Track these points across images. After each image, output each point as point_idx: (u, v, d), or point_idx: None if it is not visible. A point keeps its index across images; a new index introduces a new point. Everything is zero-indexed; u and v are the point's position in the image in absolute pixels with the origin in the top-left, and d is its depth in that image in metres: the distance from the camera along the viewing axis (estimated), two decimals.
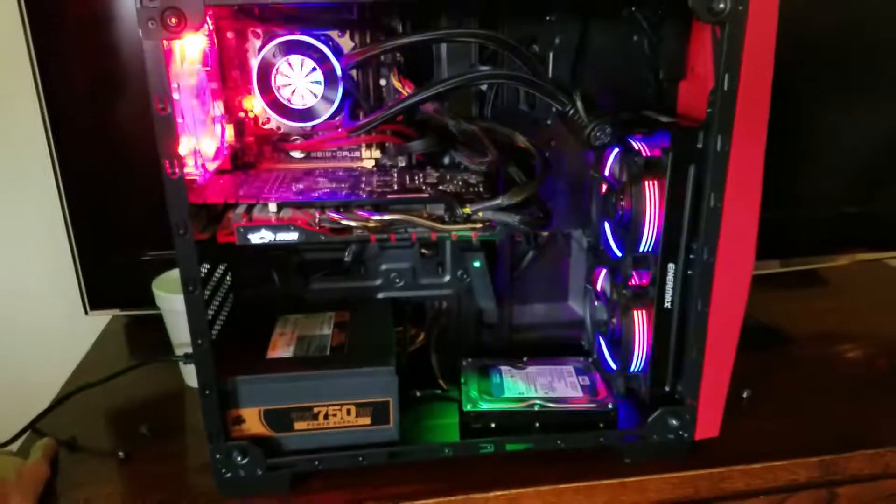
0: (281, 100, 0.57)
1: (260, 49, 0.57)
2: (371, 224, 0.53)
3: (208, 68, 0.56)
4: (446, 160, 0.63)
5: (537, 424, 0.60)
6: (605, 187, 0.62)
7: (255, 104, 0.60)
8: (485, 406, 0.60)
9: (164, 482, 0.60)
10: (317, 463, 0.57)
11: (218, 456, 0.55)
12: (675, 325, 0.58)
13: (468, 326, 0.70)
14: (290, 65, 0.56)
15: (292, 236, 0.53)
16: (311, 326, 0.63)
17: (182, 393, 0.74)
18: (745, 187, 0.53)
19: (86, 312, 0.85)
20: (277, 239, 0.53)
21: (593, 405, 0.60)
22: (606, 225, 0.63)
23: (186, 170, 0.49)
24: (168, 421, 0.69)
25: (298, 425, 0.57)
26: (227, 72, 0.59)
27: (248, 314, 0.65)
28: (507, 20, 0.60)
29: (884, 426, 0.66)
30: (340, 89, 0.57)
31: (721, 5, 0.48)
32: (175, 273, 0.51)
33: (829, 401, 0.70)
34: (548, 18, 0.60)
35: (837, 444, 0.63)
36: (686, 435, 0.60)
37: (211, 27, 0.56)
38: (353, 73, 0.59)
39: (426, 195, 0.55)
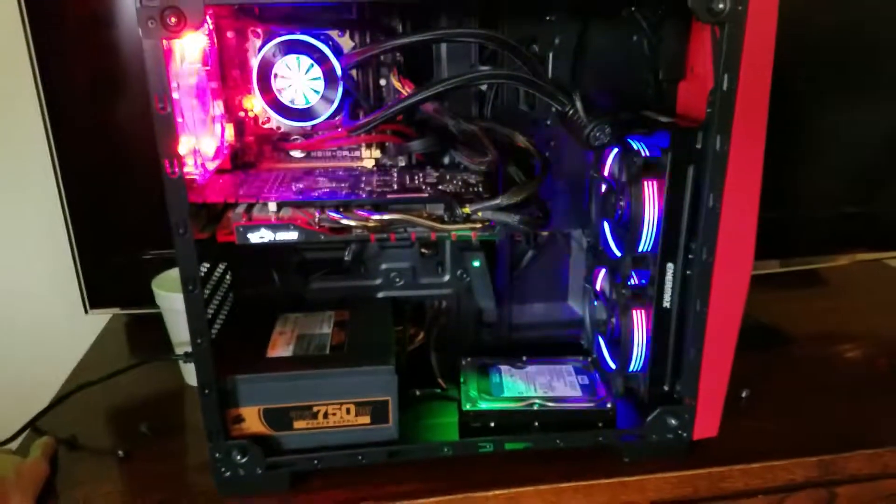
0: (281, 99, 0.57)
1: (260, 48, 0.57)
2: (371, 223, 0.53)
3: (208, 68, 0.56)
4: (446, 160, 0.63)
5: (536, 424, 0.60)
6: (604, 187, 0.62)
7: (255, 104, 0.60)
8: (484, 405, 0.60)
9: (164, 481, 0.60)
10: (316, 462, 0.57)
11: (217, 455, 0.55)
12: (674, 325, 0.58)
13: (468, 326, 0.70)
14: (289, 64, 0.56)
15: (292, 236, 0.53)
16: (311, 325, 0.63)
17: (182, 392, 0.74)
18: (744, 187, 0.53)
19: (86, 311, 0.85)
20: (277, 238, 0.53)
21: (592, 405, 0.60)
22: (606, 225, 0.63)
23: (186, 169, 0.49)
24: (168, 420, 0.69)
25: (298, 424, 0.57)
26: (227, 71, 0.59)
27: (247, 313, 0.65)
28: (507, 20, 0.60)
29: (883, 426, 0.66)
30: (340, 89, 0.57)
31: (720, 5, 0.48)
32: (175, 272, 0.51)
33: (828, 401, 0.70)
34: (548, 18, 0.60)
35: (836, 444, 0.63)
36: (685, 434, 0.60)
37: (211, 26, 0.56)
38: (353, 72, 0.59)
39: (426, 195, 0.55)
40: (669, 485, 0.60)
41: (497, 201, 0.53)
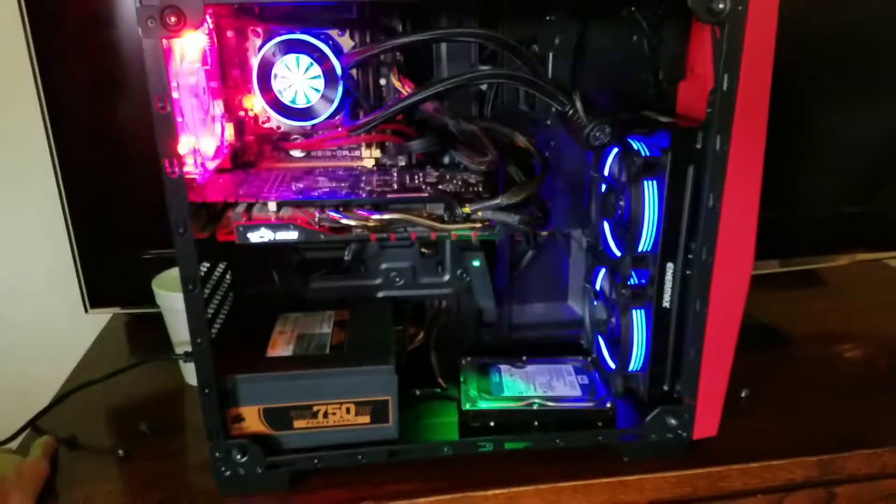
0: (281, 99, 0.57)
1: (260, 48, 0.57)
2: (370, 223, 0.53)
3: (208, 67, 0.56)
4: (446, 160, 0.63)
5: (536, 423, 0.60)
6: (604, 187, 0.62)
7: (254, 103, 0.60)
8: (484, 405, 0.60)
9: (164, 480, 0.60)
10: (316, 461, 0.57)
11: (217, 454, 0.55)
12: (673, 325, 0.58)
13: (468, 325, 0.70)
14: (289, 64, 0.56)
15: (292, 235, 0.53)
16: (311, 325, 0.63)
17: (182, 391, 0.74)
18: (744, 187, 0.53)
19: (86, 310, 0.85)
20: (277, 238, 0.53)
21: (592, 404, 0.60)
22: (606, 224, 0.63)
23: (186, 169, 0.49)
24: (168, 419, 0.69)
25: (298, 424, 0.57)
26: (226, 71, 0.59)
27: (247, 313, 0.65)
28: (507, 20, 0.60)
29: (882, 426, 0.66)
30: (340, 88, 0.57)
31: (720, 5, 0.48)
32: (175, 271, 0.51)
33: (827, 401, 0.70)
34: (548, 18, 0.60)
35: (836, 443, 0.63)
36: (684, 434, 0.60)
37: (211, 26, 0.56)
38: (353, 72, 0.59)
39: (426, 195, 0.55)
40: (669, 484, 0.60)
41: (497, 201, 0.53)
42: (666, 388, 0.60)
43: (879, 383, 0.74)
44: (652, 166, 0.55)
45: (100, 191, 0.81)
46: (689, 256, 0.56)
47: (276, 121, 0.60)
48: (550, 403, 0.60)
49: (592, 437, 0.60)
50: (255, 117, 0.61)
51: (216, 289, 0.61)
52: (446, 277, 0.68)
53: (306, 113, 0.58)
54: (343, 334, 0.62)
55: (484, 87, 0.62)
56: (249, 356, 0.58)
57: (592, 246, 0.67)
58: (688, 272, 0.56)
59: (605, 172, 0.62)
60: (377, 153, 0.62)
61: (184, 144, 0.49)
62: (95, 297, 0.85)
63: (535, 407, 0.60)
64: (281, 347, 0.60)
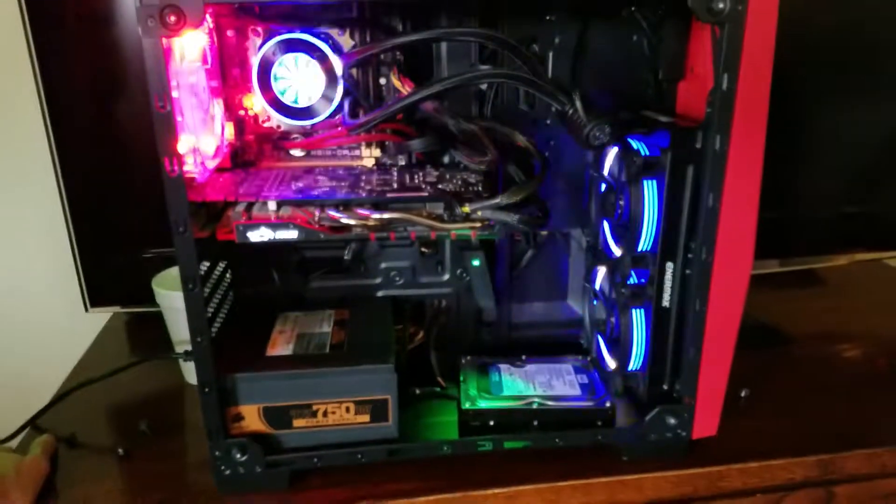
0: (281, 98, 0.57)
1: (260, 47, 0.57)
2: (370, 222, 0.53)
3: (208, 66, 0.56)
4: (446, 159, 0.63)
5: (536, 422, 0.60)
6: (604, 187, 0.62)
7: (255, 102, 0.60)
8: (483, 404, 0.60)
9: (164, 479, 0.60)
10: (316, 460, 0.57)
11: (217, 453, 0.56)
12: (673, 324, 0.58)
13: (467, 325, 0.70)
14: (289, 63, 0.56)
15: (292, 234, 0.53)
16: (311, 324, 0.63)
17: (182, 390, 0.74)
18: (743, 187, 0.53)
19: (86, 309, 0.85)
20: (277, 237, 0.53)
21: (591, 403, 0.61)
22: (605, 224, 0.63)
23: (186, 168, 0.49)
24: (168, 418, 0.69)
25: (298, 423, 0.57)
26: (227, 70, 0.59)
27: (247, 312, 0.65)
28: (507, 20, 0.60)
29: (881, 426, 0.66)
30: (340, 88, 0.57)
31: (720, 5, 0.48)
32: (175, 270, 0.51)
33: (827, 400, 0.70)
34: (548, 18, 0.61)
35: (835, 443, 0.63)
36: (684, 433, 0.60)
37: (211, 25, 0.56)
38: (353, 71, 0.59)
39: (425, 194, 0.55)
40: (668, 484, 0.61)
41: (496, 200, 0.53)
42: (665, 387, 0.60)
43: (879, 383, 0.74)
44: (652, 166, 0.55)
45: (100, 190, 0.81)
46: (689, 256, 0.56)
47: (277, 120, 0.60)
48: (550, 403, 0.60)
49: (592, 436, 0.60)
50: (256, 116, 0.61)
51: (216, 288, 0.61)
52: (446, 277, 0.68)
53: (306, 112, 0.58)
54: (343, 333, 0.62)
55: (484, 86, 0.62)
56: (249, 355, 0.58)
57: (592, 245, 0.67)
58: (687, 272, 0.56)
59: (605, 172, 0.62)
60: (377, 152, 0.62)
61: (184, 143, 0.49)
62: (95, 295, 0.85)
63: (534, 406, 0.60)
64: (281, 346, 0.60)
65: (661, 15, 0.59)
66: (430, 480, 0.59)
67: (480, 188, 0.57)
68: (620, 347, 0.61)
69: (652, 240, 0.57)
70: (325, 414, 0.57)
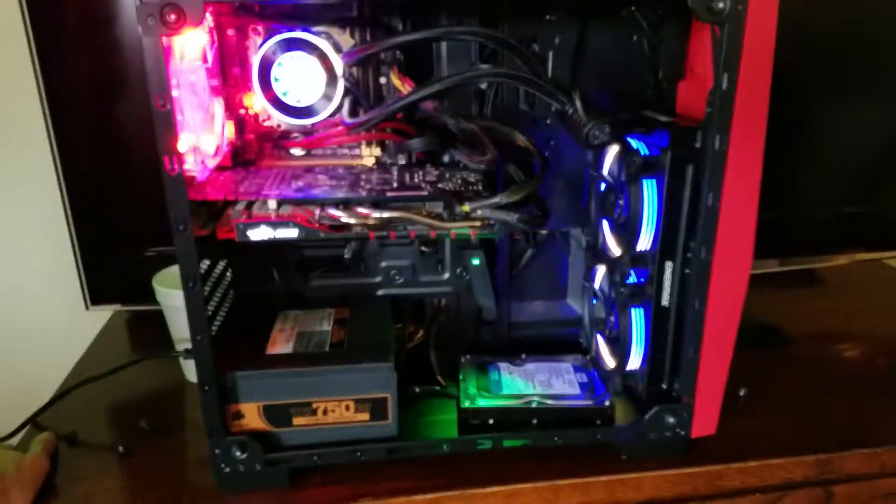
0: (281, 97, 0.57)
1: (260, 46, 0.57)
2: (370, 221, 0.53)
3: (209, 65, 0.56)
4: (446, 158, 0.63)
5: (535, 421, 0.60)
6: (603, 186, 0.62)
7: (255, 101, 0.60)
8: (483, 403, 0.60)
9: (164, 477, 0.60)
10: (315, 458, 0.57)
11: (217, 451, 0.56)
12: (672, 324, 0.58)
13: (467, 324, 0.70)
14: (290, 62, 0.56)
15: (292, 233, 0.53)
16: (311, 323, 0.63)
17: (182, 388, 0.74)
18: (743, 186, 0.53)
19: (87, 307, 0.85)
20: (277, 236, 0.53)
21: (591, 402, 0.61)
22: (605, 223, 0.63)
23: (186, 166, 0.49)
24: (168, 416, 0.69)
25: (297, 421, 0.57)
26: (227, 69, 0.59)
27: (247, 310, 0.65)
28: (508, 19, 0.60)
29: (881, 426, 0.66)
30: (341, 87, 0.57)
31: (720, 5, 0.48)
32: (176, 269, 0.51)
33: (826, 400, 0.70)
34: (548, 18, 0.60)
35: (834, 443, 0.63)
36: (683, 432, 0.60)
37: (211, 24, 0.56)
38: (354, 70, 0.59)
39: (425, 193, 0.55)
40: (667, 483, 0.61)
41: (496, 199, 0.53)
42: (664, 386, 0.61)
43: (878, 383, 0.74)
44: (651, 165, 0.55)
45: (101, 188, 0.81)
46: (689, 255, 0.56)
47: (277, 119, 0.60)
48: (549, 401, 0.60)
49: (591, 435, 0.60)
50: (256, 115, 0.61)
51: (216, 286, 0.61)
52: (446, 276, 0.68)
53: (306, 111, 0.58)
54: (343, 332, 0.62)
55: (484, 86, 0.62)
56: (249, 353, 0.58)
57: (592, 245, 0.67)
58: (687, 271, 0.56)
59: (605, 171, 0.62)
60: (377, 151, 0.62)
61: (184, 142, 0.49)
62: (96, 294, 0.85)
63: (533, 405, 0.60)
64: (281, 345, 0.60)
65: (661, 15, 0.59)
66: (429, 479, 0.59)
67: (480, 187, 0.57)
68: (620, 346, 0.61)
69: (651, 239, 0.57)
70: (324, 412, 0.57)
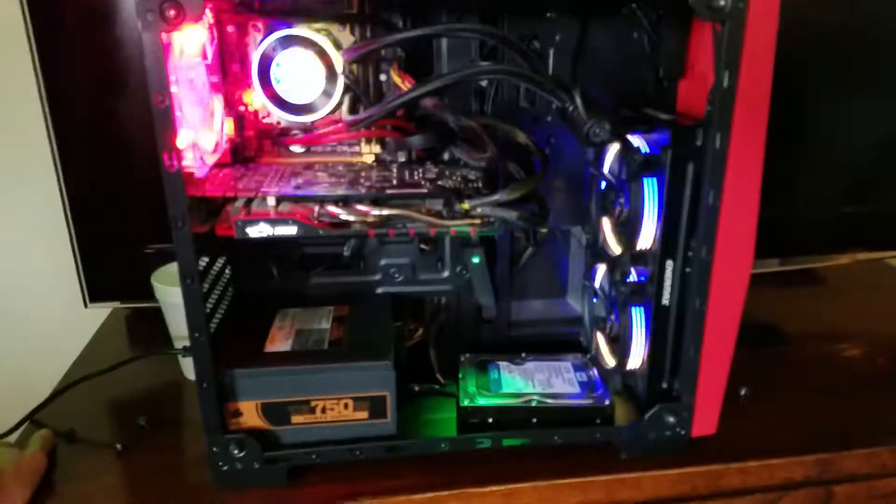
0: (280, 94, 0.57)
1: (260, 43, 0.56)
2: (370, 219, 0.53)
3: (208, 62, 0.56)
4: (446, 156, 0.63)
5: (534, 420, 0.60)
6: (604, 184, 0.62)
7: (255, 98, 0.60)
8: (482, 401, 0.60)
9: (162, 475, 0.60)
10: (314, 456, 0.57)
11: (215, 449, 0.56)
12: (672, 323, 0.58)
13: (467, 322, 0.70)
14: (289, 59, 0.56)
15: (291, 230, 0.53)
16: (310, 320, 0.63)
17: (181, 385, 0.74)
18: (744, 185, 0.53)
19: (86, 305, 0.85)
20: (276, 233, 0.53)
21: (590, 401, 0.60)
22: (605, 221, 0.63)
23: (185, 163, 0.49)
24: (166, 413, 0.69)
25: (296, 419, 0.57)
26: (227, 65, 0.59)
27: (246, 308, 0.65)
28: (508, 17, 0.60)
29: (881, 425, 0.66)
30: (340, 84, 0.57)
31: (721, 2, 0.48)
32: (175, 266, 0.51)
33: (826, 400, 0.70)
34: (548, 15, 0.60)
35: (834, 442, 0.63)
36: (683, 432, 0.60)
37: (211, 20, 0.56)
38: (354, 67, 0.59)
39: (425, 190, 0.55)
40: (667, 482, 0.61)
41: (496, 197, 0.53)
42: (665, 385, 0.60)
43: (879, 383, 0.74)
44: (652, 164, 0.55)
45: (100, 185, 0.81)
46: (689, 254, 0.56)
47: (276, 116, 0.60)
48: (549, 400, 0.60)
49: (591, 434, 0.60)
50: (255, 112, 0.61)
51: (215, 283, 0.61)
52: (446, 274, 0.68)
53: (306, 108, 0.58)
54: (342, 330, 0.62)
55: (484, 83, 0.62)
56: (248, 351, 0.58)
57: (592, 243, 0.67)
58: (687, 270, 0.56)
59: (605, 169, 0.62)
60: (377, 149, 0.62)
61: (183, 139, 0.49)
62: (95, 291, 0.85)
63: (533, 404, 0.60)
64: (280, 342, 0.60)
65: (661, 12, 0.59)
66: (428, 477, 0.59)
67: (480, 185, 0.57)
68: (620, 345, 0.61)
69: (652, 238, 0.56)
70: (323, 410, 0.57)
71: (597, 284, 0.67)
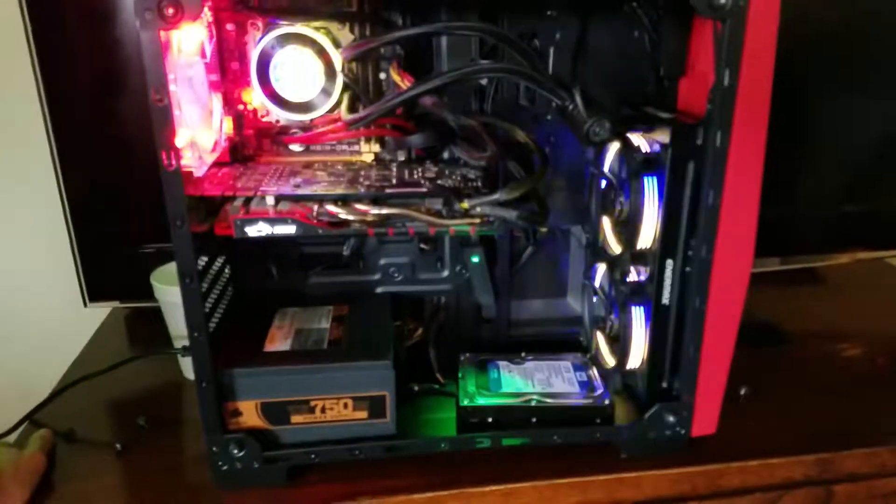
0: (279, 92, 0.57)
1: (259, 41, 0.56)
2: (369, 218, 0.53)
3: (207, 60, 0.56)
4: (446, 155, 0.63)
5: (534, 420, 0.60)
6: (604, 183, 0.62)
7: (253, 97, 0.60)
8: (482, 401, 0.60)
9: (161, 474, 0.60)
10: (313, 456, 0.57)
11: (215, 449, 0.55)
12: (672, 322, 0.58)
13: (466, 321, 0.70)
14: (288, 57, 0.56)
15: (290, 229, 0.53)
16: (310, 320, 0.63)
17: (181, 385, 0.74)
18: (744, 184, 0.52)
19: (85, 304, 0.85)
20: (275, 232, 0.53)
21: (590, 401, 0.60)
22: (605, 221, 0.63)
23: (183, 162, 0.49)
24: (166, 413, 0.69)
25: (295, 418, 0.57)
26: (226, 64, 0.59)
27: (246, 307, 0.65)
28: (508, 15, 0.60)
29: (881, 425, 0.66)
30: (340, 82, 0.57)
31: (722, 1, 0.47)
32: (174, 265, 0.51)
33: (826, 399, 0.70)
34: (549, 14, 0.60)
35: (834, 442, 0.63)
36: (683, 431, 0.60)
37: (210, 19, 0.56)
38: (353, 66, 0.59)
39: (424, 190, 0.55)
40: (667, 481, 0.60)
41: (495, 196, 0.52)
42: (665, 385, 0.60)
43: (879, 382, 0.74)
44: (652, 162, 0.55)
45: (99, 185, 0.81)
46: (689, 253, 0.56)
47: (276, 115, 0.60)
48: (549, 400, 0.60)
49: (590, 433, 0.60)
50: (254, 111, 0.61)
51: (214, 283, 0.61)
52: (445, 273, 0.68)
53: (305, 107, 0.57)
54: (341, 329, 0.62)
55: (484, 82, 0.62)
56: (247, 350, 0.58)
57: (592, 242, 0.67)
58: (687, 269, 0.56)
59: (605, 168, 0.62)
60: (376, 148, 0.62)
61: (181, 137, 0.49)
62: (94, 290, 0.85)
63: (533, 403, 0.60)
64: (279, 342, 0.60)
65: (662, 11, 0.59)
66: (427, 477, 0.59)
67: (480, 184, 0.57)
68: (620, 345, 0.61)
69: (652, 237, 0.56)
70: (322, 410, 0.57)
71: (597, 284, 0.67)
